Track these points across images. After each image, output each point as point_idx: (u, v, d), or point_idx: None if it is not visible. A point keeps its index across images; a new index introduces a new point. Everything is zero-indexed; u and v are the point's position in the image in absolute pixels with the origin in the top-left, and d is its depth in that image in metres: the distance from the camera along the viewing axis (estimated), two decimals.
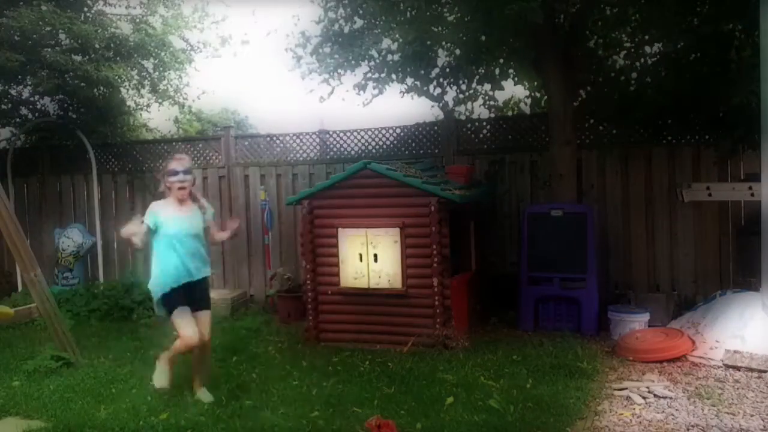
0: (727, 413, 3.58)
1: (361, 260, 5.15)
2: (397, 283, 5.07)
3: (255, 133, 9.18)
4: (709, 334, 4.64)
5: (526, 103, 7.23)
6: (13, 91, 7.86)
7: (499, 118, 6.92)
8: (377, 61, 6.55)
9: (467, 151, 6.66)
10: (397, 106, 7.09)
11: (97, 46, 7.10)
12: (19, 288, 7.29)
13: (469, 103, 7.08)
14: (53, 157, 8.11)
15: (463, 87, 6.69)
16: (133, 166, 7.85)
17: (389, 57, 6.49)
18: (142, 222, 3.91)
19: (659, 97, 5.47)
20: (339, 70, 6.67)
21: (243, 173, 7.36)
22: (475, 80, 6.61)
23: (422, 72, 6.45)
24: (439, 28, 5.94)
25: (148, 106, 8.47)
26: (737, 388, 3.99)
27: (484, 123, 6.79)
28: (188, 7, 8.23)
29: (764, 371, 4.22)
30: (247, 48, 10.03)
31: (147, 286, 4.11)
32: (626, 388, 3.99)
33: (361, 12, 6.41)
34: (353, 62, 6.52)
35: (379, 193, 5.15)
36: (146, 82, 7.94)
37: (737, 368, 4.31)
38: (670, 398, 3.83)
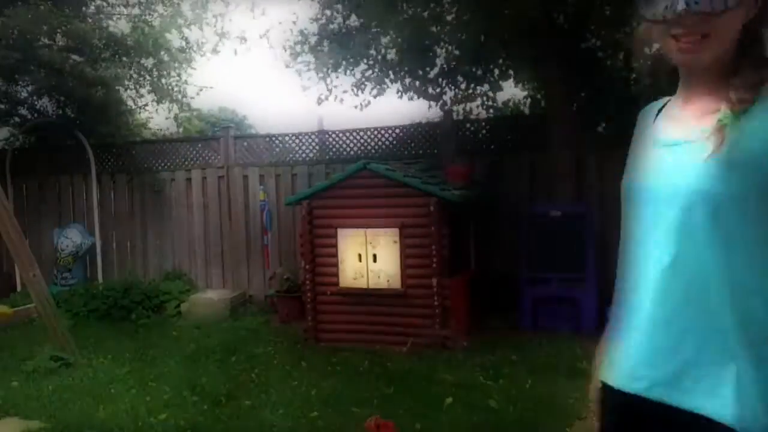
0: None
1: (360, 260, 5.15)
2: (396, 283, 5.07)
3: (254, 134, 9.18)
4: None
5: (524, 104, 7.24)
6: (11, 91, 7.85)
7: (498, 119, 6.91)
8: (376, 58, 6.55)
9: (466, 151, 6.65)
10: (396, 107, 7.09)
11: (96, 42, 7.09)
12: (18, 288, 7.28)
13: (468, 104, 7.09)
14: (52, 157, 8.09)
15: (462, 87, 6.69)
16: (132, 166, 7.84)
17: (388, 56, 6.49)
18: None
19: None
20: (338, 69, 6.67)
21: (242, 173, 7.35)
22: (474, 80, 6.61)
23: (421, 72, 6.45)
24: (438, 28, 5.94)
25: (146, 105, 8.46)
26: None
27: (483, 123, 6.78)
28: (186, 5, 8.21)
29: None
30: (246, 47, 9.98)
31: None
32: None
33: (358, 9, 6.41)
34: (351, 60, 6.51)
35: (378, 193, 5.15)
36: (145, 81, 7.93)
37: None
38: None
